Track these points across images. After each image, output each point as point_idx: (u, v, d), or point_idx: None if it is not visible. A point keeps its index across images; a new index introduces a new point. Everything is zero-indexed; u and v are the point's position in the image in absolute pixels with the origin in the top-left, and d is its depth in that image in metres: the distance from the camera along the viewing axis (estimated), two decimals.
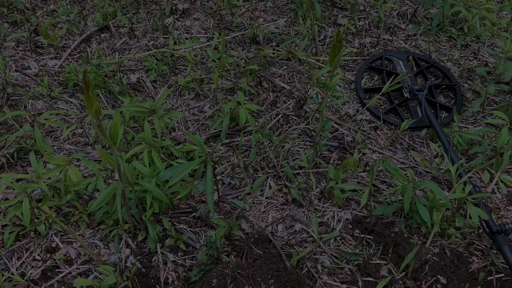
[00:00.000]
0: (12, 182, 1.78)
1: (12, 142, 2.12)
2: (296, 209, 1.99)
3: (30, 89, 2.47)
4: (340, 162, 2.18)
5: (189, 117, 2.40)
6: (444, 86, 2.56)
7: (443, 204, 1.82)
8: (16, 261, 1.77)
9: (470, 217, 1.92)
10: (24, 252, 1.80)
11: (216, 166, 2.06)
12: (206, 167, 1.74)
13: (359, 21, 3.05)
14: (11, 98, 2.40)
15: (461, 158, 2.15)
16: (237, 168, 2.14)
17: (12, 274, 1.71)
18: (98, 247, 1.83)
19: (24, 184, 1.79)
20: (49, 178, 1.90)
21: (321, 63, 2.66)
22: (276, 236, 1.87)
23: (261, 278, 1.61)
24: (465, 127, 2.38)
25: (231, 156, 2.22)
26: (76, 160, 2.13)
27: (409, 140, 2.31)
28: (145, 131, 1.91)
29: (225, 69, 2.62)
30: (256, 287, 1.58)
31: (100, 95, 2.45)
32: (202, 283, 1.60)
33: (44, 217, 1.82)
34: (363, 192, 1.91)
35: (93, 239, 1.85)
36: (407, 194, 1.79)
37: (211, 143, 2.27)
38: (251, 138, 2.23)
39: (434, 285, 1.71)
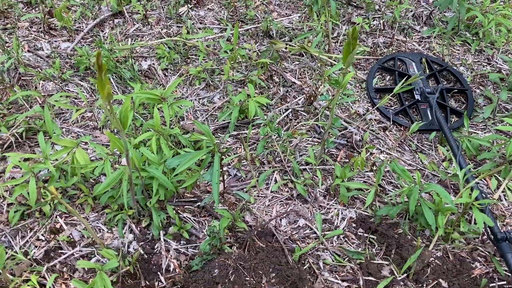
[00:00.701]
0: (19, 161, 1.79)
1: (21, 122, 2.13)
2: (300, 205, 1.98)
3: (41, 70, 2.47)
4: (347, 160, 2.17)
5: (198, 107, 2.40)
6: (456, 90, 2.54)
7: (449, 208, 1.81)
8: (20, 240, 1.78)
9: (475, 223, 1.91)
10: (28, 231, 1.81)
11: (223, 157, 2.07)
12: (213, 157, 1.74)
13: (373, 21, 3.03)
14: (22, 78, 2.41)
15: (469, 164, 2.14)
16: (244, 161, 2.14)
17: (16, 252, 1.72)
18: (101, 230, 1.84)
19: (31, 164, 1.80)
20: (56, 160, 1.91)
21: (333, 60, 2.64)
22: (279, 230, 1.87)
23: (262, 270, 1.61)
24: (474, 133, 2.37)
25: (238, 148, 2.21)
26: (83, 143, 2.14)
27: (418, 143, 2.30)
28: (154, 118, 1.91)
29: (237, 61, 2.62)
30: (257, 279, 1.58)
31: (111, 80, 2.45)
32: (203, 272, 1.60)
33: (50, 197, 1.83)
34: (369, 192, 1.91)
35: (97, 223, 1.86)
36: (414, 196, 1.79)
37: (219, 134, 2.27)
38: (259, 131, 2.22)
39: None
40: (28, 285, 1.58)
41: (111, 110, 1.38)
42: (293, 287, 1.59)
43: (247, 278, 1.57)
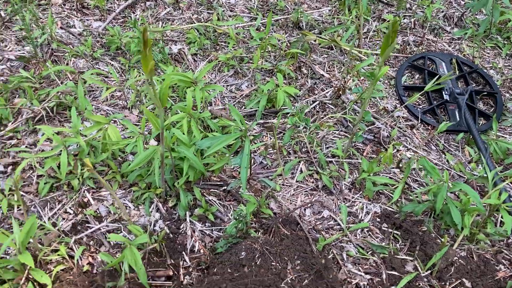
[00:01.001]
0: (53, 135, 1.81)
1: (53, 97, 2.15)
2: (325, 196, 1.98)
3: (73, 47, 2.49)
4: (374, 155, 2.17)
5: (226, 93, 2.41)
6: (485, 93, 2.52)
7: (476, 209, 1.80)
8: (49, 211, 1.80)
9: (501, 225, 1.90)
10: (57, 203, 1.83)
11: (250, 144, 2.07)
12: (243, 142, 1.74)
13: (404, 19, 3.01)
14: (54, 53, 2.43)
15: (496, 166, 2.12)
16: (270, 149, 2.14)
17: (44, 222, 1.75)
18: (128, 208, 1.85)
19: (62, 138, 1.82)
20: (86, 136, 1.92)
21: (363, 55, 2.63)
22: (303, 220, 1.87)
23: (288, 257, 1.61)
24: (502, 136, 2.35)
25: (264, 136, 2.22)
26: (113, 121, 2.16)
27: (445, 143, 2.28)
28: (187, 100, 1.92)
29: (266, 50, 2.61)
30: (283, 265, 1.59)
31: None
32: (230, 254, 1.61)
33: (85, 169, 1.85)
34: (396, 188, 1.90)
35: (124, 200, 1.87)
36: (441, 194, 1.78)
37: (245, 122, 2.27)
38: (287, 120, 2.22)
39: None
40: (58, 255, 1.60)
41: (152, 85, 1.39)
42: (318, 275, 1.60)
43: (273, 263, 1.58)
